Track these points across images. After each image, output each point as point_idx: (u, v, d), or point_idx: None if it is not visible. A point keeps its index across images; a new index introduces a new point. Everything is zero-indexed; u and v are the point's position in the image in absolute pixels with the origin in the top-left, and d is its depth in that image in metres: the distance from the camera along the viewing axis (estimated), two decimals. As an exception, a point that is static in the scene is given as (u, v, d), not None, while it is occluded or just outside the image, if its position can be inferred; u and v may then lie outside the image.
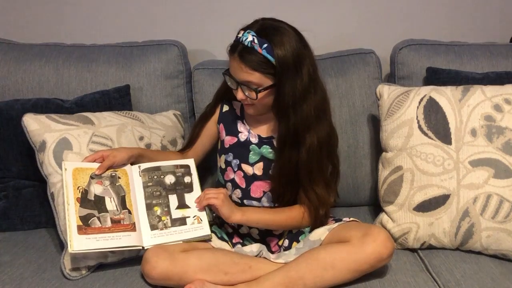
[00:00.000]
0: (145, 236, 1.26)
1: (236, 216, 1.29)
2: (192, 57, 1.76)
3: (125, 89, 1.57)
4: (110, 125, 1.41)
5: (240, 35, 1.27)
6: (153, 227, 1.28)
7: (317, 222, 1.34)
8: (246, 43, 1.24)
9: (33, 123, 1.35)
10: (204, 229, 1.30)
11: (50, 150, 1.33)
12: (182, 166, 1.38)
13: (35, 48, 1.66)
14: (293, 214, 1.34)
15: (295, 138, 1.28)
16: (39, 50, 1.65)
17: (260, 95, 1.27)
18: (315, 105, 1.28)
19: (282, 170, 1.32)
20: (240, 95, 1.30)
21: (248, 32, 1.25)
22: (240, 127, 1.42)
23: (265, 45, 1.23)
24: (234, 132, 1.42)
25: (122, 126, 1.43)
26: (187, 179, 1.36)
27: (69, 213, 1.23)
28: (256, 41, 1.23)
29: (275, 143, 1.36)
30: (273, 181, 1.36)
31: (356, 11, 1.83)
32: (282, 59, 1.22)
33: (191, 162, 1.40)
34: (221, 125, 1.45)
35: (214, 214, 1.50)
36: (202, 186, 1.47)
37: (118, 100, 1.54)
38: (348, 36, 1.83)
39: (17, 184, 1.47)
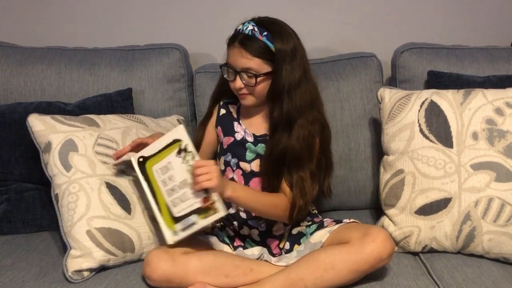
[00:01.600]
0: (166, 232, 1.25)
1: (227, 192, 1.23)
2: (194, 61, 1.76)
3: (127, 92, 1.57)
4: (115, 127, 1.42)
5: (239, 27, 1.32)
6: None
7: (295, 212, 1.31)
8: (246, 32, 1.30)
9: (38, 123, 1.35)
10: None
11: (56, 151, 1.33)
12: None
13: (37, 51, 1.67)
14: (277, 201, 1.33)
15: (287, 122, 1.31)
16: (41, 53, 1.66)
17: (259, 80, 1.30)
18: (309, 94, 1.33)
19: (273, 153, 1.32)
20: (238, 83, 1.33)
21: (248, 23, 1.31)
22: (237, 127, 1.43)
23: (265, 33, 1.29)
24: (231, 132, 1.43)
25: (127, 129, 1.43)
26: None
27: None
28: (256, 29, 1.29)
29: None
30: (263, 166, 1.36)
31: (357, 15, 1.84)
32: (280, 47, 1.29)
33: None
34: (219, 128, 1.47)
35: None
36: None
37: (120, 103, 1.54)
38: (349, 40, 1.83)
39: (19, 187, 1.48)
